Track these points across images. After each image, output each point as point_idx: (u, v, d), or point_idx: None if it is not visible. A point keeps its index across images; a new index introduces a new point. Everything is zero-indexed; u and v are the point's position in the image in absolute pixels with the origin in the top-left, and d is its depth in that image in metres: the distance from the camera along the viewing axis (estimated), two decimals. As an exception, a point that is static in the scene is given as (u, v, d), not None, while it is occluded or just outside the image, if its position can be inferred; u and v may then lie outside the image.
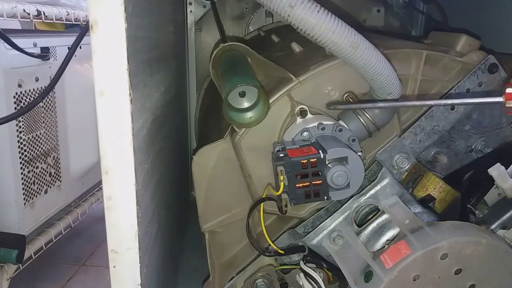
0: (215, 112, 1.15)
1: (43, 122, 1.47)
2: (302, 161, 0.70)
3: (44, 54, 1.46)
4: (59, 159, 1.59)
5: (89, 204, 1.81)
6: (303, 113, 0.78)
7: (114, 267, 0.63)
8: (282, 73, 0.82)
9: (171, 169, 1.05)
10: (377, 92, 0.74)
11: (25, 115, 1.36)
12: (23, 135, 1.36)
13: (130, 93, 0.56)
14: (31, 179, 1.41)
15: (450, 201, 0.82)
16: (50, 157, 1.53)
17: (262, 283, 0.90)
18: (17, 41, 1.29)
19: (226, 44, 0.89)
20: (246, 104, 0.77)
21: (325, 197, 0.73)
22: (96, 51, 0.55)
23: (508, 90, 0.61)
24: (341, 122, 0.78)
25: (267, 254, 0.87)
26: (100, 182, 0.60)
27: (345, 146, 0.73)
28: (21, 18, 1.39)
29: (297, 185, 0.71)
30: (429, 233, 0.68)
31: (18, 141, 1.34)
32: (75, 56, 1.30)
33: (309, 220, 0.85)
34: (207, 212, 0.90)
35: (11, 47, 1.27)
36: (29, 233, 1.41)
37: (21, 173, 1.36)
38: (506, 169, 0.75)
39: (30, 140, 1.40)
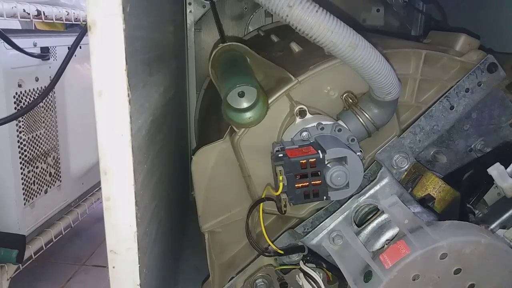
0: (215, 112, 1.15)
1: (43, 122, 1.48)
2: (301, 161, 0.70)
3: (44, 54, 1.46)
4: (59, 159, 1.59)
5: (89, 204, 1.81)
6: (302, 113, 0.78)
7: (113, 267, 0.63)
8: (281, 73, 0.82)
9: (170, 169, 1.05)
10: (376, 92, 0.74)
11: (25, 115, 1.36)
12: (23, 135, 1.37)
13: (128, 94, 0.56)
14: (31, 179, 1.41)
15: (450, 200, 0.82)
16: (50, 157, 1.53)
17: (262, 283, 0.90)
18: (17, 41, 1.29)
19: (226, 44, 0.89)
20: (245, 104, 0.76)
21: (325, 197, 0.73)
22: (94, 51, 0.55)
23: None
24: (340, 122, 0.78)
25: (266, 254, 0.87)
26: (100, 182, 0.60)
27: (344, 146, 0.73)
28: (21, 18, 1.39)
29: (296, 185, 0.71)
30: (428, 232, 0.68)
31: (18, 141, 1.34)
32: (75, 56, 1.30)
33: (308, 220, 0.85)
34: (207, 212, 0.90)
35: (11, 47, 1.27)
36: (29, 233, 1.42)
37: (21, 173, 1.36)
38: (506, 168, 0.75)
39: (30, 140, 1.40)
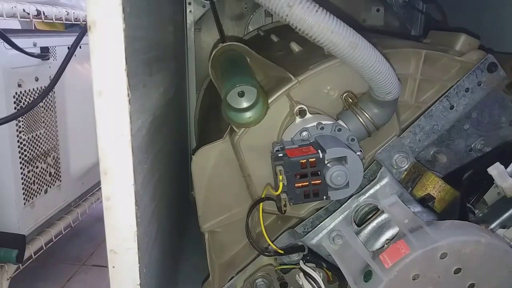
0: (215, 112, 1.15)
1: (43, 122, 1.48)
2: (301, 161, 0.70)
3: (44, 54, 1.46)
4: (59, 159, 1.59)
5: (89, 204, 1.81)
6: (302, 113, 0.78)
7: (113, 267, 0.63)
8: (281, 73, 0.82)
9: (170, 169, 1.05)
10: (376, 92, 0.74)
11: (25, 115, 1.36)
12: (23, 135, 1.36)
13: (128, 94, 0.56)
14: (31, 179, 1.41)
15: (450, 200, 0.82)
16: (50, 157, 1.53)
17: (262, 282, 0.90)
18: (17, 41, 1.29)
19: (225, 44, 0.89)
20: (245, 104, 0.76)
21: (324, 197, 0.73)
22: (94, 51, 0.55)
23: None
24: (340, 122, 0.78)
25: (266, 254, 0.87)
26: (100, 182, 0.60)
27: (344, 146, 0.73)
28: (20, 18, 1.39)
29: (296, 185, 0.71)
30: (428, 232, 0.68)
31: (18, 141, 1.34)
32: (75, 56, 1.30)
33: (308, 219, 0.85)
34: (207, 212, 0.90)
35: (11, 47, 1.27)
36: (29, 233, 1.41)
37: (21, 173, 1.36)
38: (506, 168, 0.75)
39: (30, 140, 1.40)
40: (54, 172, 1.57)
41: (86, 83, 1.61)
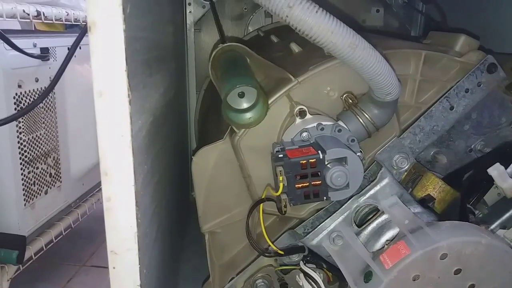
0: (215, 113, 1.15)
1: (43, 122, 1.48)
2: (301, 162, 0.70)
3: (44, 54, 1.46)
4: (59, 160, 1.59)
5: (89, 205, 1.81)
6: (302, 114, 0.78)
7: (114, 268, 0.63)
8: (281, 74, 0.82)
9: (171, 170, 1.05)
10: (376, 93, 0.74)
11: (25, 115, 1.36)
12: (23, 135, 1.37)
13: (128, 94, 0.56)
14: (31, 180, 1.41)
15: (450, 201, 0.82)
16: (50, 157, 1.53)
17: (262, 283, 0.90)
18: (17, 41, 1.29)
19: (225, 44, 0.89)
20: (245, 105, 0.76)
21: (325, 198, 0.73)
22: (95, 52, 0.55)
23: None
24: (340, 123, 0.78)
25: (266, 254, 0.87)
26: (100, 183, 0.60)
27: (344, 147, 0.73)
28: (20, 18, 1.39)
29: (296, 186, 0.71)
30: (428, 233, 0.68)
31: (18, 142, 1.34)
32: (75, 56, 1.30)
33: (308, 220, 0.85)
34: (207, 213, 0.90)
35: (11, 48, 1.27)
36: (30, 233, 1.41)
37: (21, 174, 1.36)
38: (506, 169, 0.75)
39: (30, 141, 1.40)
40: (55, 173, 1.57)
41: (86, 84, 1.61)
